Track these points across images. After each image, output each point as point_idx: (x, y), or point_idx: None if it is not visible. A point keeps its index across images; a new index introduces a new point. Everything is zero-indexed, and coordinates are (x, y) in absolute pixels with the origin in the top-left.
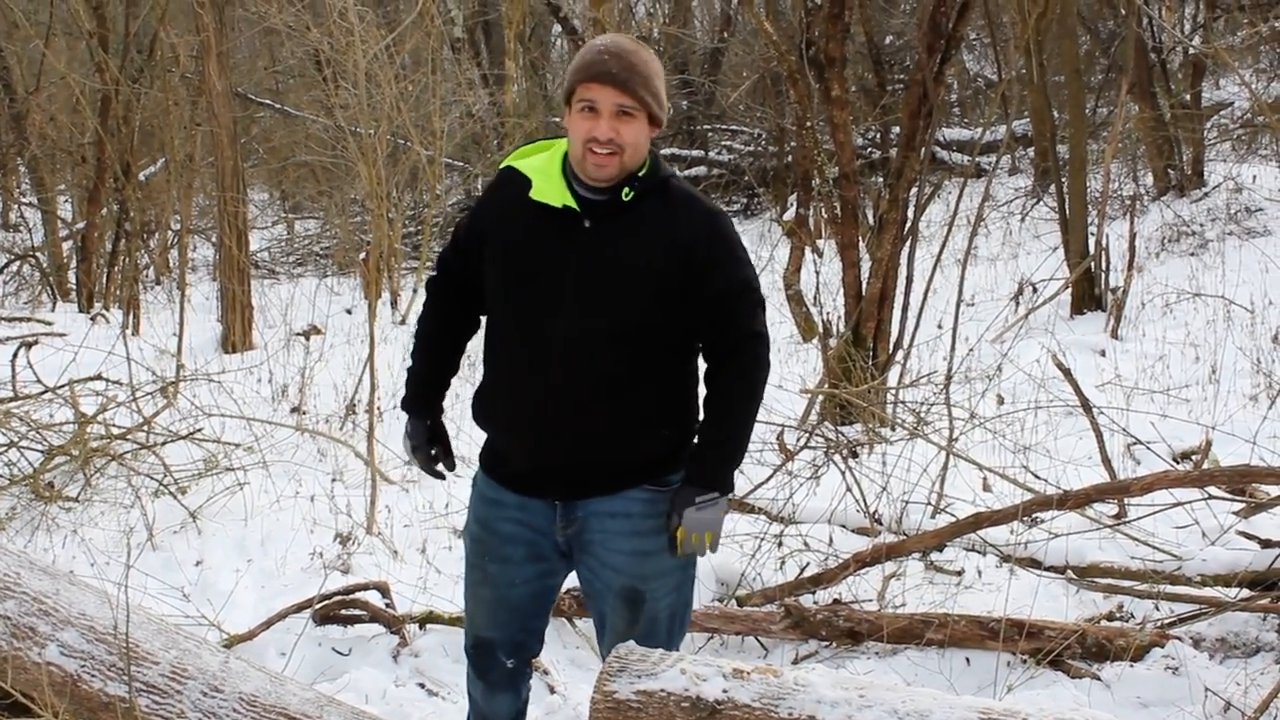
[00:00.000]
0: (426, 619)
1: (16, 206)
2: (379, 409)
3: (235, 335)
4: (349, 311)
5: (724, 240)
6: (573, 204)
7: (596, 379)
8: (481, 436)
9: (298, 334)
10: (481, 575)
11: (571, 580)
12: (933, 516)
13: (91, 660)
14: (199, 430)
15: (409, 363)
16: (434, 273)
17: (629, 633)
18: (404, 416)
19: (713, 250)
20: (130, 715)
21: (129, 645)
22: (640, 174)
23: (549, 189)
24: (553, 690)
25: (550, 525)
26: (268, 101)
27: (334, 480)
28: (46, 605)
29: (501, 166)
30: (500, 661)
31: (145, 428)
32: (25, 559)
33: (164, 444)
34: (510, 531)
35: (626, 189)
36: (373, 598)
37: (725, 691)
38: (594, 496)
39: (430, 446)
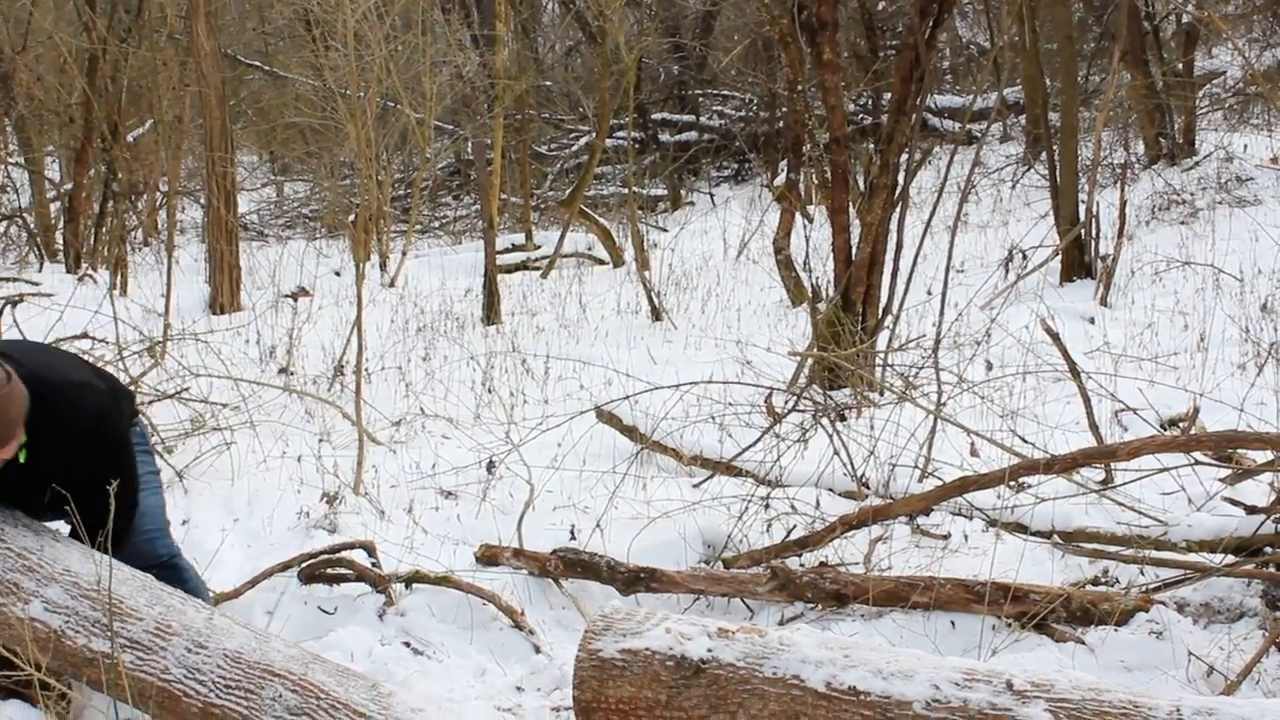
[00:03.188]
0: (413, 578)
1: (4, 167)
2: (367, 370)
3: (223, 296)
4: (337, 274)
5: None
6: None
7: None
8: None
9: (286, 296)
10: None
11: (558, 540)
12: (920, 480)
13: (75, 616)
14: (186, 390)
15: None
16: None
17: None
18: (391, 377)
19: None
20: (114, 671)
21: (112, 602)
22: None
23: None
24: (538, 650)
25: None
26: (257, 63)
27: (321, 440)
28: (30, 561)
29: None
30: None
31: (132, 387)
32: (9, 515)
33: (151, 403)
34: None
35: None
36: (359, 557)
37: (710, 650)
38: None
39: None
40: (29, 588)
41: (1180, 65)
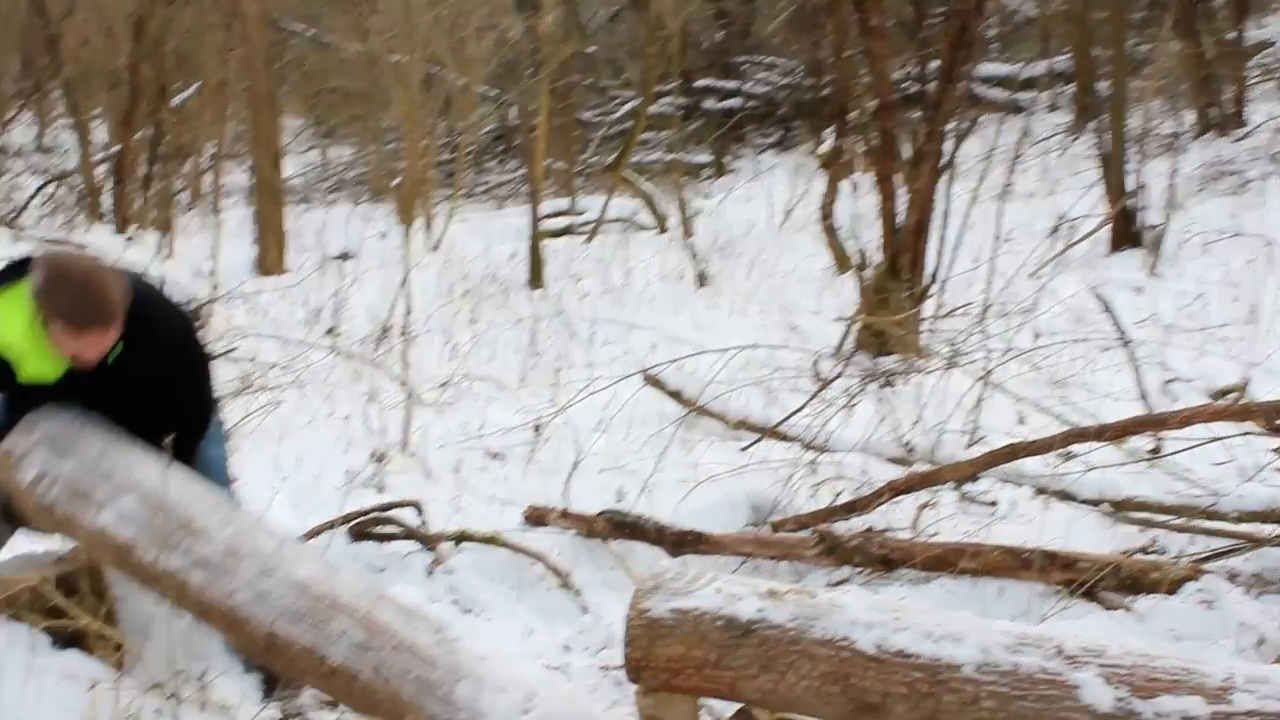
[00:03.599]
0: (461, 538)
1: (51, 129)
2: (413, 332)
3: (270, 258)
4: (383, 236)
5: None
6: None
7: None
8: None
9: (332, 258)
10: None
11: (605, 502)
12: (967, 447)
13: (149, 530)
14: (234, 349)
15: None
16: None
17: None
18: (436, 340)
19: None
20: (182, 589)
21: (185, 519)
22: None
23: (42, 365)
24: (585, 610)
25: None
26: (302, 27)
27: (368, 401)
28: (106, 469)
29: None
30: None
31: None
32: (88, 420)
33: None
34: None
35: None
36: (407, 516)
37: (760, 611)
38: None
39: None
40: (103, 495)
41: (1231, 34)
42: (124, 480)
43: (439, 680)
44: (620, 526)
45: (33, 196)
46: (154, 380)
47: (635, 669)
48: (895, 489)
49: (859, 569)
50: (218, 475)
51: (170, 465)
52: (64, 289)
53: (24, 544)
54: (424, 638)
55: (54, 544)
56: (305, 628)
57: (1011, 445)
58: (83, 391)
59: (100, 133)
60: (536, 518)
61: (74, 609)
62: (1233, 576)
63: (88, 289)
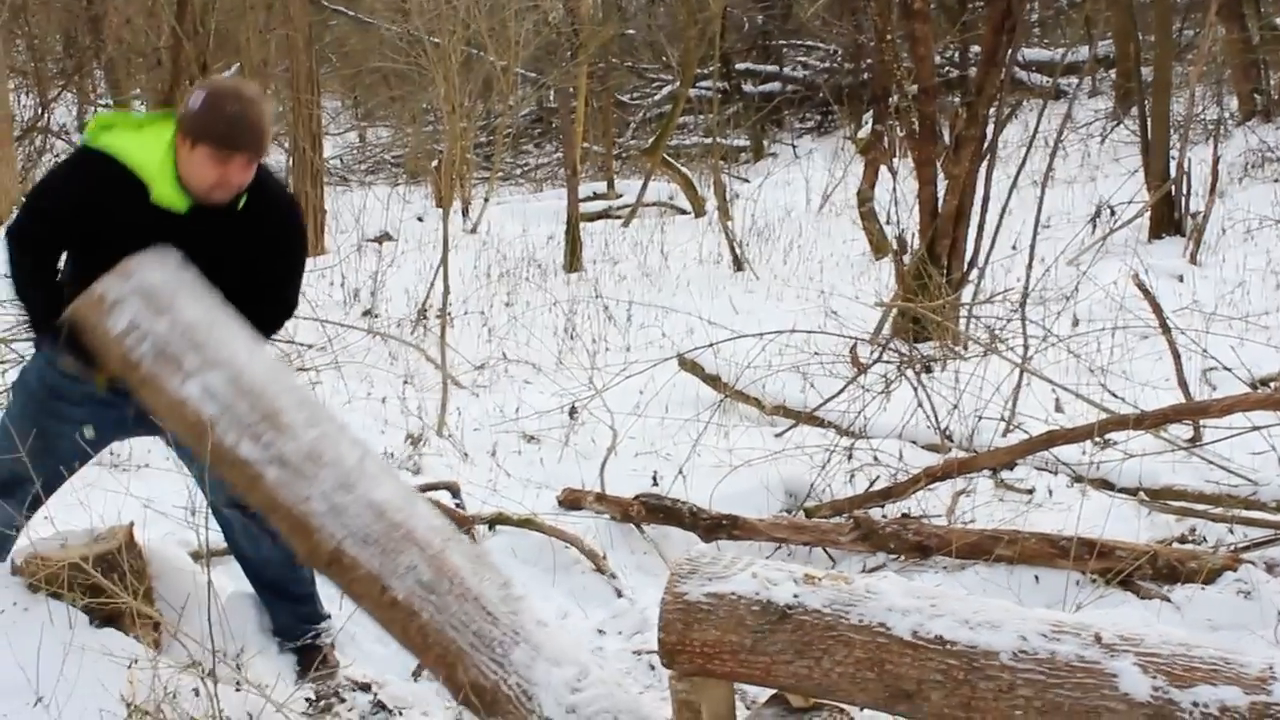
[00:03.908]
0: (496, 520)
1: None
2: (450, 315)
3: (309, 238)
4: (420, 219)
5: None
6: (184, 209)
7: None
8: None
9: (370, 240)
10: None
11: (640, 486)
12: (1004, 435)
13: (232, 412)
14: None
15: (19, 300)
16: (24, 235)
17: None
18: (474, 322)
19: None
20: (255, 481)
21: (273, 410)
22: None
23: (170, 193)
24: (620, 594)
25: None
26: (342, 8)
27: (405, 382)
28: (199, 339)
29: (91, 147)
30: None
31: None
32: (193, 283)
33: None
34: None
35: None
36: (443, 498)
37: (796, 596)
38: None
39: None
40: (192, 365)
41: (1277, 20)
42: (215, 355)
43: (497, 639)
44: (655, 510)
45: None
46: (265, 244)
47: (670, 653)
48: (932, 475)
49: (894, 555)
50: None
51: (263, 348)
52: (223, 108)
53: (59, 523)
54: (490, 590)
55: (94, 522)
56: (374, 553)
57: (1049, 432)
58: (189, 245)
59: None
60: (572, 501)
61: (113, 587)
62: (1271, 567)
63: (247, 112)
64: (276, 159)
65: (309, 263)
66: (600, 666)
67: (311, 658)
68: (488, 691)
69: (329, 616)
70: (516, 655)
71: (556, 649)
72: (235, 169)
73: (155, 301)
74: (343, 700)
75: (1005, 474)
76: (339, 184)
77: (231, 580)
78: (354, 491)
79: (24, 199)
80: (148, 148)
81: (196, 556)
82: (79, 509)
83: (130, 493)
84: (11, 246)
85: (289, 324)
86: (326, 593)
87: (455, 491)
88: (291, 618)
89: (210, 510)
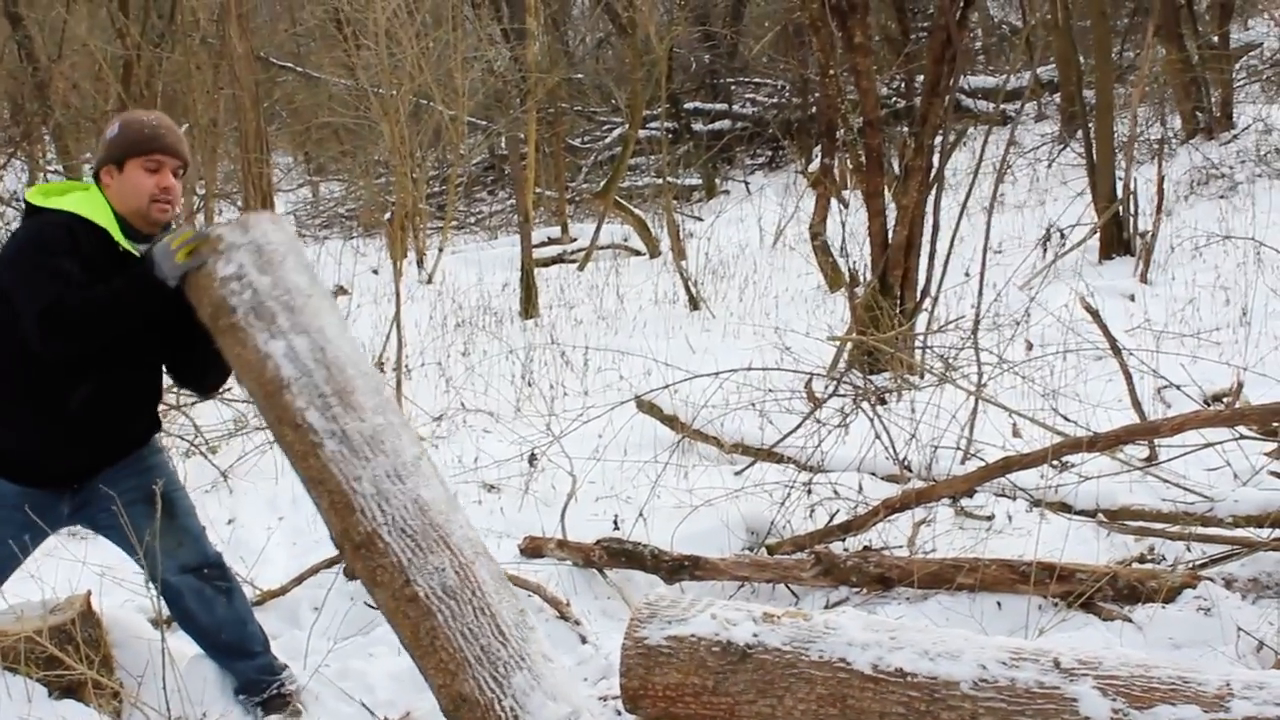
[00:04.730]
0: None
1: (42, 174)
2: (407, 367)
3: None
4: (375, 272)
5: None
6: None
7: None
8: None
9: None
10: None
11: (601, 531)
12: (962, 462)
13: (308, 379)
14: (229, 390)
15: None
16: (63, 303)
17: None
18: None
19: None
20: (311, 450)
21: (348, 387)
22: None
23: (125, 241)
24: (584, 640)
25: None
26: (289, 64)
27: None
28: (296, 303)
29: (57, 209)
30: None
31: (175, 389)
32: (298, 245)
33: (194, 404)
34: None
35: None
36: None
37: (755, 635)
38: None
39: None
40: (284, 325)
41: (1216, 38)
42: (307, 322)
43: (503, 659)
44: (617, 555)
45: None
46: None
47: (632, 698)
48: (891, 507)
49: (857, 589)
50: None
51: (350, 333)
52: (138, 121)
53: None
54: (507, 612)
55: (49, 593)
56: (407, 546)
57: (1006, 458)
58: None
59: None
60: (533, 549)
61: (70, 659)
62: (1230, 582)
63: (161, 120)
64: (229, 217)
65: None
66: (593, 714)
67: (279, 706)
68: (480, 707)
69: (287, 666)
70: (517, 680)
71: (555, 685)
72: (167, 175)
73: (265, 258)
74: None
75: (965, 502)
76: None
77: (192, 645)
78: (403, 483)
79: (15, 277)
80: (93, 202)
81: (156, 623)
82: (30, 581)
83: (87, 562)
84: (62, 319)
85: None
86: (294, 646)
87: None
88: (253, 673)
89: (160, 584)
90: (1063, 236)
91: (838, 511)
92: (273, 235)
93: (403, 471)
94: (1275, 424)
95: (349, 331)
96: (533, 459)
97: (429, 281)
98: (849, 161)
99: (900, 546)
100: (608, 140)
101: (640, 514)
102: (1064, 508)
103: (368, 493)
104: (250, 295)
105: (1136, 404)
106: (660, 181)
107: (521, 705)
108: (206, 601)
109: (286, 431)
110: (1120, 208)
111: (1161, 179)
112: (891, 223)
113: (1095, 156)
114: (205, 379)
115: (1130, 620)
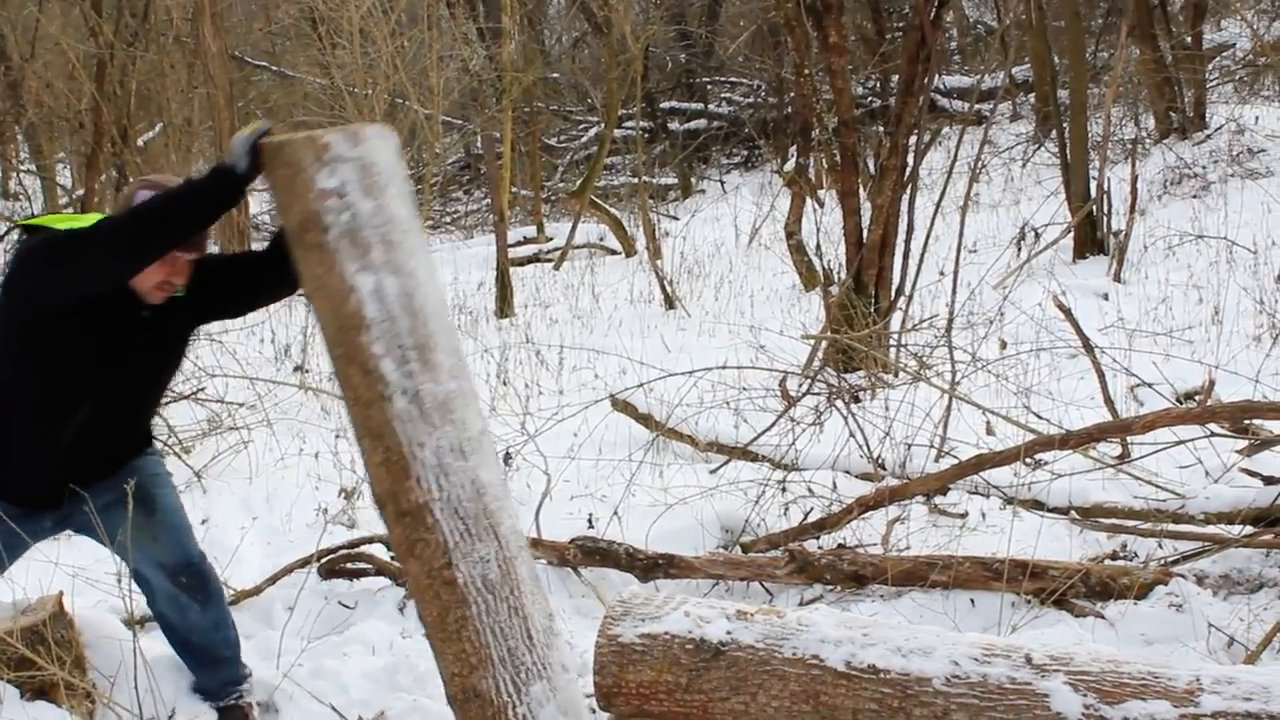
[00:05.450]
0: None
1: (16, 174)
2: None
3: None
4: None
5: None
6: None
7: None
8: (484, 393)
9: (300, 294)
10: None
11: (576, 529)
12: (936, 460)
13: (390, 324)
14: (202, 390)
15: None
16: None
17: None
18: None
19: None
20: (377, 401)
21: (428, 340)
22: None
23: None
24: None
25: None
26: (264, 63)
27: (337, 437)
28: (394, 238)
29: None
30: None
31: None
32: (403, 171)
33: (167, 404)
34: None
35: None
36: (378, 551)
37: (729, 633)
38: None
39: None
40: (376, 259)
41: (1189, 38)
42: (401, 261)
43: (526, 665)
44: (591, 553)
45: None
46: (209, 302)
47: (606, 696)
48: (865, 505)
49: (831, 586)
50: (185, 520)
51: (437, 275)
52: None
53: None
54: (539, 616)
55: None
56: (457, 529)
57: (979, 456)
58: (153, 331)
59: (64, 176)
60: None
61: (42, 660)
62: (1201, 579)
63: None
64: None
65: (239, 320)
66: None
67: (235, 717)
68: (492, 706)
69: (250, 675)
70: (535, 689)
71: (569, 699)
72: (181, 268)
73: (371, 179)
74: None
75: (938, 499)
76: (267, 239)
77: (164, 645)
78: (466, 460)
79: (69, 250)
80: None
81: (129, 624)
82: (2, 583)
83: (59, 563)
84: (139, 218)
85: (219, 383)
86: (268, 645)
87: (389, 545)
88: (216, 681)
89: (132, 574)
90: (1037, 236)
91: (812, 509)
92: (381, 155)
93: (467, 447)
94: (1246, 422)
95: (437, 279)
96: (507, 458)
97: None
98: (824, 161)
99: (874, 544)
100: (583, 139)
101: (615, 512)
102: (1037, 505)
103: (429, 462)
104: (349, 218)
105: (1109, 402)
106: (636, 181)
107: (535, 716)
108: (181, 608)
109: (354, 373)
110: (1094, 207)
111: (1135, 179)
112: (866, 222)
113: (1069, 156)
114: (268, 300)
115: (1102, 617)
